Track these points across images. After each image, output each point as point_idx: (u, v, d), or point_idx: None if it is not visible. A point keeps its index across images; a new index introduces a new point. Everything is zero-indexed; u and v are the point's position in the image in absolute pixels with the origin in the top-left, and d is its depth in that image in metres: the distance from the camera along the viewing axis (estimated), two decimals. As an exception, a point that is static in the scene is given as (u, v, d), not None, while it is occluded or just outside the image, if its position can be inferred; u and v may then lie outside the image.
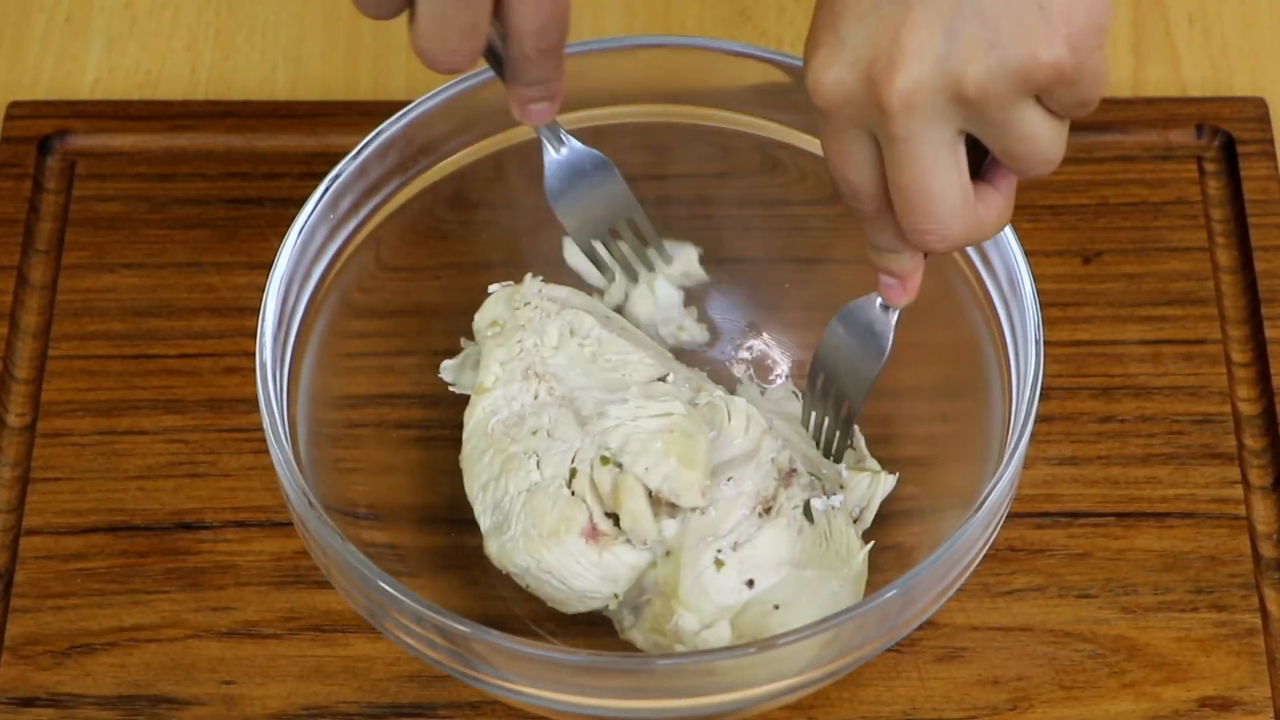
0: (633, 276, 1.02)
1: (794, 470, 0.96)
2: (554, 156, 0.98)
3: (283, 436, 0.91)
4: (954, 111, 0.82)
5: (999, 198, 0.86)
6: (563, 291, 1.01)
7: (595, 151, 0.99)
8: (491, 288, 1.01)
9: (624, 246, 1.01)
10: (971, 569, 0.91)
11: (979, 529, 0.89)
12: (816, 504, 0.96)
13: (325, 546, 0.89)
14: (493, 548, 0.95)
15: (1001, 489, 0.89)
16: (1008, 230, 0.94)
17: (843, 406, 0.98)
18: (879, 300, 0.94)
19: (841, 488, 0.98)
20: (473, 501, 0.96)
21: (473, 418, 0.97)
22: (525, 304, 0.99)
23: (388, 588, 0.87)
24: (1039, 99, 0.82)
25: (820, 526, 0.96)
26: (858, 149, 0.85)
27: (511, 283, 1.01)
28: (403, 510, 1.00)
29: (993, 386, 0.96)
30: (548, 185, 0.99)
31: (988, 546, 0.91)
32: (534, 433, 0.95)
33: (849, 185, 0.87)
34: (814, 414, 0.99)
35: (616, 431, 0.94)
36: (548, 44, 0.89)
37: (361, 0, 0.87)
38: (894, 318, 0.94)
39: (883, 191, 0.86)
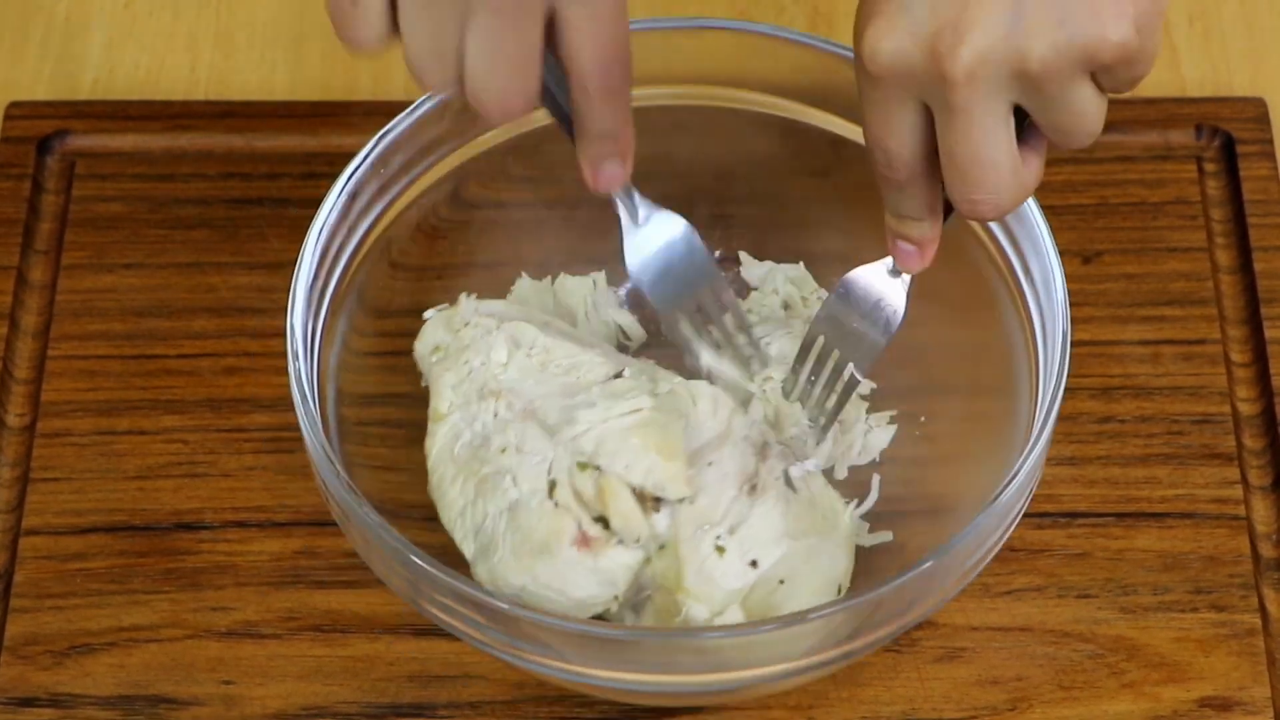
0: (730, 358, 1.00)
1: (767, 443, 0.96)
2: (633, 228, 0.96)
3: (320, 432, 0.92)
4: (1013, 84, 0.83)
5: (1035, 159, 0.87)
6: (498, 305, 1.00)
7: (678, 217, 0.97)
8: (426, 313, 1.00)
9: (714, 330, 1.00)
10: (988, 559, 0.91)
11: (997, 518, 0.90)
12: (794, 472, 0.96)
13: (369, 535, 0.90)
14: (483, 572, 0.94)
15: (1024, 476, 0.90)
16: (1046, 234, 0.95)
17: (837, 378, 0.98)
18: (888, 267, 0.94)
19: (813, 449, 0.99)
20: (451, 530, 0.96)
21: (434, 446, 0.97)
22: (465, 324, 0.99)
23: (426, 565, 0.88)
24: (1093, 75, 0.83)
25: (803, 493, 0.96)
26: (902, 118, 0.86)
27: (447, 305, 1.01)
28: (406, 509, 1.00)
29: (1021, 387, 0.96)
30: (628, 260, 0.97)
31: (1004, 540, 0.91)
32: (503, 451, 0.95)
33: (886, 154, 0.87)
34: (802, 384, 0.99)
35: (589, 435, 0.94)
36: (613, 83, 0.86)
37: (344, 25, 0.84)
38: (907, 286, 0.94)
39: (919, 160, 0.87)
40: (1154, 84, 1.17)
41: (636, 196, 0.96)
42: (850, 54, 0.93)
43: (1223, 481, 1.03)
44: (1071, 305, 1.08)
